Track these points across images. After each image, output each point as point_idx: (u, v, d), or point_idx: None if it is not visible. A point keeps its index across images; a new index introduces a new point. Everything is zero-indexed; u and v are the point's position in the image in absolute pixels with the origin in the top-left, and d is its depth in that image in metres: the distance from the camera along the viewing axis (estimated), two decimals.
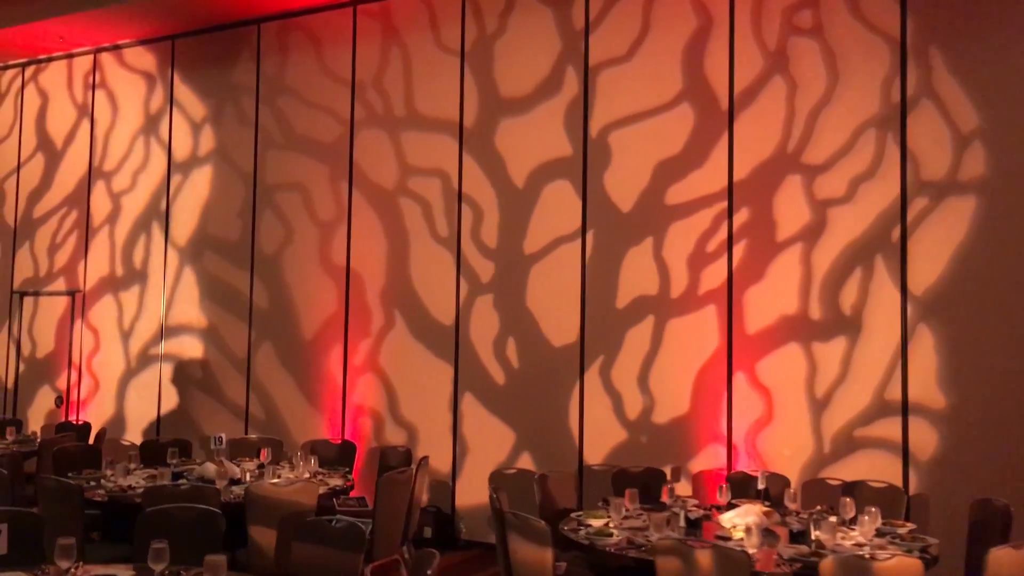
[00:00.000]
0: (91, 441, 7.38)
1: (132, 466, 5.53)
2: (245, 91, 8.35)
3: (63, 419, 8.96)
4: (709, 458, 6.12)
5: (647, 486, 5.25)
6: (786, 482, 5.28)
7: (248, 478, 5.30)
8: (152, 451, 6.33)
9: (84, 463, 5.78)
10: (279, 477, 5.35)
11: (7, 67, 9.92)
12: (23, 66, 9.82)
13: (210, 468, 5.35)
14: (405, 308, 7.39)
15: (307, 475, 5.47)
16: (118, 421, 8.80)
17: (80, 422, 8.24)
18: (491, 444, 6.92)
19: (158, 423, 8.60)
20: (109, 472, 5.31)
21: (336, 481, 5.46)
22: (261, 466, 5.81)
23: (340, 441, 7.18)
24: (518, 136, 7.01)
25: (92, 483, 5.04)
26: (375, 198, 7.61)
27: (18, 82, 9.86)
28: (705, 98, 6.31)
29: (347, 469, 6.06)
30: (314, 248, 7.87)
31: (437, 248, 7.29)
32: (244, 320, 8.18)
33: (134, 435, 8.67)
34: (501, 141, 7.08)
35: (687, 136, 6.35)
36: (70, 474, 5.33)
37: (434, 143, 7.36)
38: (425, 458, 5.86)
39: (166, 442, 6.50)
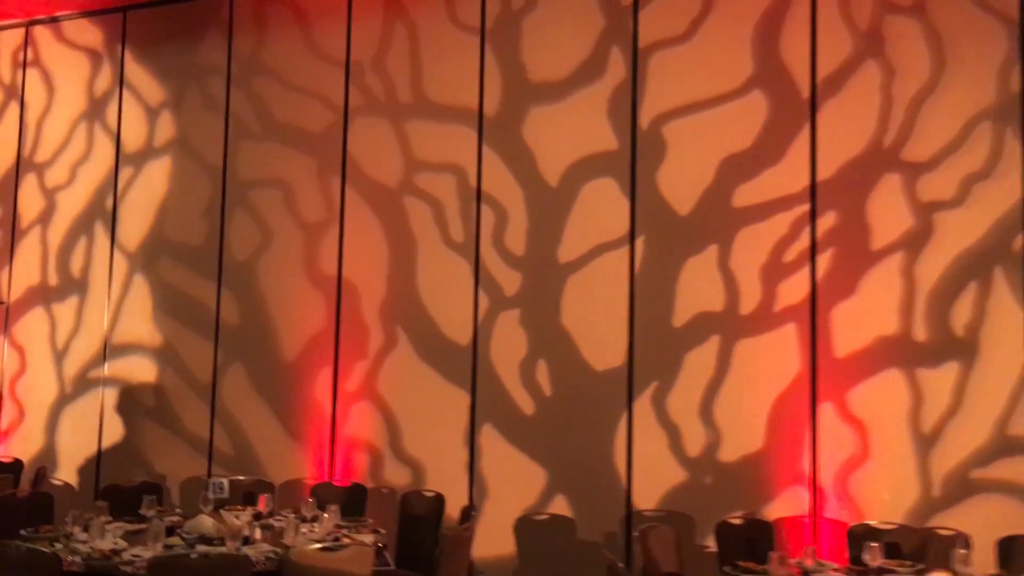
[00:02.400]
0: (24, 484, 6.05)
1: (104, 520, 4.31)
2: (213, 71, 7.17)
3: None
4: (788, 503, 5.24)
5: (751, 540, 4.33)
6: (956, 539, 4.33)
7: (258, 535, 4.14)
8: (118, 497, 5.09)
9: (34, 516, 4.53)
10: (300, 533, 4.20)
11: None
12: None
13: (207, 522, 4.20)
14: (410, 325, 6.33)
15: (332, 530, 4.34)
16: (47, 456, 7.42)
17: (8, 458, 6.86)
18: (516, 484, 5.90)
19: (98, 459, 7.27)
20: (76, 530, 4.09)
21: (366, 537, 4.35)
22: (259, 516, 4.67)
23: (348, 484, 5.99)
24: (551, 127, 6.06)
25: (57, 545, 3.83)
26: (374, 197, 6.54)
27: None
28: (782, 85, 5.49)
29: (363, 518, 4.95)
30: (298, 254, 6.74)
31: (450, 255, 6.26)
32: (208, 338, 6.96)
33: (67, 473, 7.33)
34: (530, 132, 6.12)
35: (759, 128, 5.51)
36: (22, 532, 4.09)
37: (447, 134, 6.36)
38: (471, 507, 4.80)
39: (133, 486, 5.26)
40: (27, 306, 7.69)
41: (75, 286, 7.51)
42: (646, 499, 5.57)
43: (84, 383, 7.40)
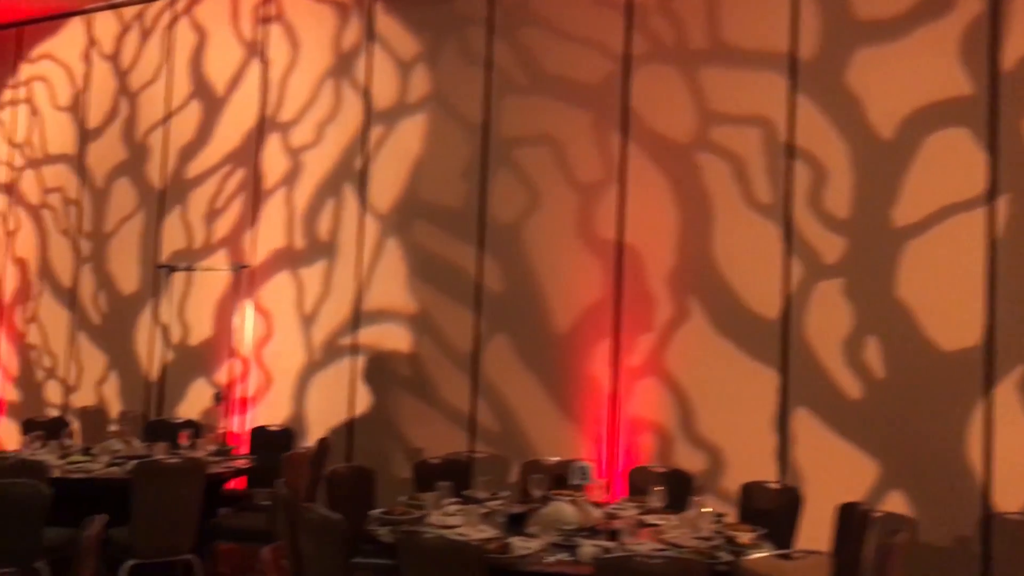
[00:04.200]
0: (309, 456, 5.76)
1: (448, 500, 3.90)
2: (472, 21, 6.70)
3: (229, 419, 7.39)
4: None
5: None
6: None
7: (639, 530, 3.61)
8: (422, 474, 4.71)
9: (360, 491, 4.16)
10: (676, 528, 3.65)
11: None
12: None
13: (567, 511, 3.70)
14: (706, 295, 5.72)
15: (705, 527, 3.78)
16: (296, 424, 7.20)
17: (278, 427, 6.65)
18: (839, 476, 5.23)
19: (350, 429, 6.99)
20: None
21: (743, 535, 3.75)
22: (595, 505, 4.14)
23: (780, 485, 4.98)
24: (884, 71, 5.30)
25: (425, 531, 3.40)
26: (661, 153, 5.94)
27: (167, 17, 8.28)
28: None
29: (714, 512, 4.34)
30: (570, 217, 6.22)
31: (755, 218, 5.61)
32: (469, 306, 6.55)
33: (312, 441, 7.06)
34: (857, 78, 5.37)
35: None
36: (374, 512, 3.70)
37: (751, 82, 5.68)
38: (899, 521, 4.14)
39: (438, 463, 4.83)
40: (272, 270, 7.48)
41: (323, 250, 7.23)
42: (1010, 499, 4.81)
43: (333, 350, 7.13)
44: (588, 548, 3.31)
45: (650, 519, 3.69)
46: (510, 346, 6.39)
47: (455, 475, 4.78)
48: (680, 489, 4.86)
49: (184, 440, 5.55)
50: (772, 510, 4.39)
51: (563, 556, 3.25)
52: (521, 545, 3.28)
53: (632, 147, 6.04)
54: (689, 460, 5.66)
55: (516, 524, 3.83)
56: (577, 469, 4.07)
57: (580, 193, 6.21)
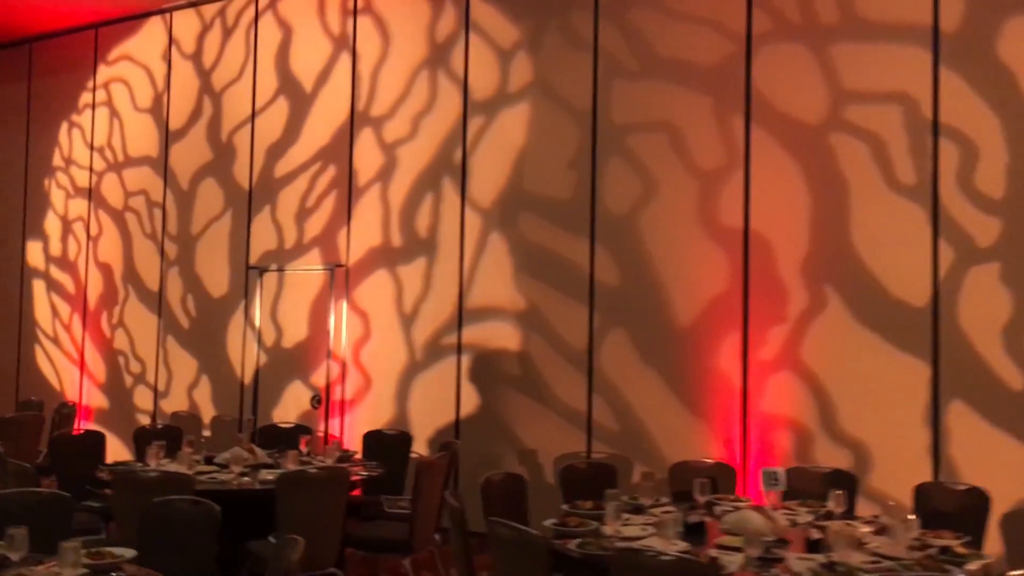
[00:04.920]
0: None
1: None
2: (576, 5, 6.44)
3: (323, 421, 7.21)
4: None
5: None
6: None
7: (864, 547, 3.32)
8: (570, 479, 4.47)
9: (515, 503, 3.93)
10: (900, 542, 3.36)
11: None
12: None
13: (755, 519, 3.44)
14: (844, 283, 5.42)
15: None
16: (399, 427, 6.99)
17: (394, 430, 6.45)
18: (1003, 473, 4.91)
19: (456, 430, 6.77)
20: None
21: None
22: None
23: (965, 486, 4.53)
24: None
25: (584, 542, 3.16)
26: (789, 136, 5.64)
27: (250, 13, 8.11)
28: None
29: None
30: (690, 206, 5.95)
31: (897, 200, 5.30)
32: (582, 301, 6.30)
33: (419, 445, 6.87)
34: (1009, 49, 5.05)
35: None
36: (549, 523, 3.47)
37: (889, 57, 5.37)
38: None
39: (585, 467, 4.60)
40: (368, 269, 7.28)
41: (422, 247, 7.03)
42: None
43: (436, 350, 6.92)
44: (797, 563, 3.05)
45: (838, 527, 3.41)
46: (628, 341, 6.13)
47: (603, 480, 4.54)
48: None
49: (304, 447, 5.36)
50: (954, 513, 4.08)
51: (776, 573, 2.99)
52: (728, 561, 3.03)
53: (756, 130, 5.76)
54: (830, 458, 5.37)
55: (695, 534, 3.59)
56: (768, 474, 3.80)
57: (700, 180, 5.93)
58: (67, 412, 6.95)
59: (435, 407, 6.90)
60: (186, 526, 3.19)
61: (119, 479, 4.03)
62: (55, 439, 5.51)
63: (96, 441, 5.52)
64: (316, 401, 7.40)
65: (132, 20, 8.86)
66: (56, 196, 9.39)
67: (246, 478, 4.59)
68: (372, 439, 6.12)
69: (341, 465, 4.79)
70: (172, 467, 4.70)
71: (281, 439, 6.02)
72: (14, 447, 5.16)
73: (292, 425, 6.65)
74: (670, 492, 4.29)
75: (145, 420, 8.45)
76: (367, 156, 7.35)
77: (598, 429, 6.20)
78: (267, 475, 4.72)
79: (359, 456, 5.63)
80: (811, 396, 5.49)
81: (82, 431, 5.73)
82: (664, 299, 6.00)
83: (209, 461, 5.07)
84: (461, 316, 6.81)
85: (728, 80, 5.86)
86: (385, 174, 7.25)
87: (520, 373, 6.54)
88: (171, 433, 5.84)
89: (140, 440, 5.62)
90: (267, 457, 5.15)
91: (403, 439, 6.13)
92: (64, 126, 9.38)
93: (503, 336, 6.63)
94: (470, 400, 6.76)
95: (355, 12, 7.49)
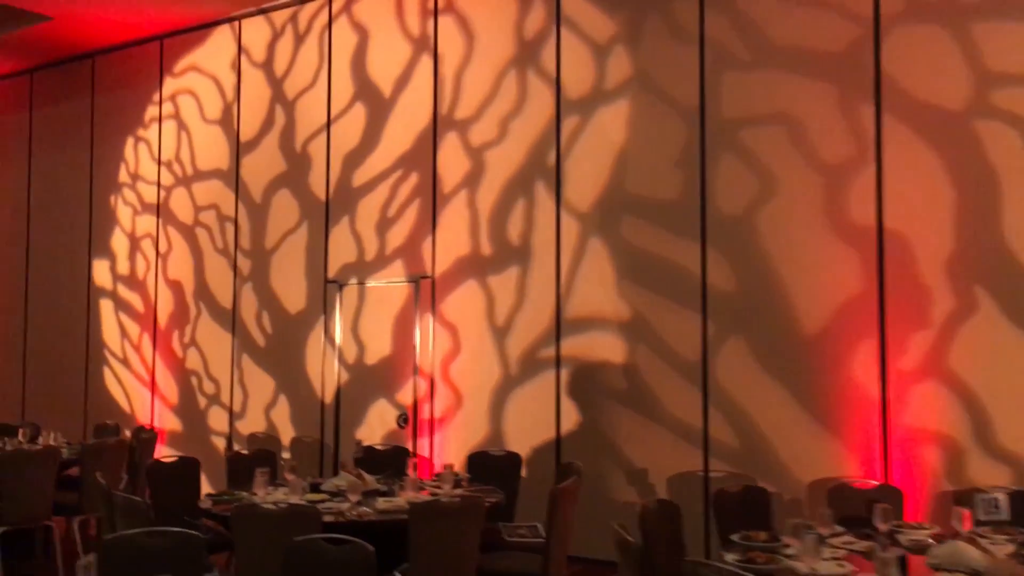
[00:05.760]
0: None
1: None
2: None
3: (411, 440, 6.84)
4: None
5: None
6: None
7: None
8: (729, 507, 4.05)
9: (671, 533, 3.51)
10: None
11: (306, 0, 7.89)
12: None
13: (970, 553, 2.99)
14: (997, 284, 4.95)
15: None
16: (494, 445, 6.60)
17: (501, 452, 6.06)
18: None
19: (557, 448, 6.37)
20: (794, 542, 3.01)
21: None
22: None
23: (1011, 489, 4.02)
24: None
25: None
26: (926, 125, 5.19)
27: (323, 17, 7.81)
28: None
29: None
30: (815, 203, 5.51)
31: None
32: (694, 308, 5.88)
33: None
34: None
35: None
36: (734, 537, 3.05)
37: None
38: None
39: (736, 491, 4.16)
40: (456, 280, 6.92)
41: (515, 255, 6.65)
42: None
43: (533, 364, 6.53)
44: None
45: None
46: (747, 351, 5.70)
47: (755, 507, 4.11)
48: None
49: (411, 471, 4.98)
50: None
51: None
52: None
53: (888, 119, 5.31)
54: (987, 476, 4.89)
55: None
56: (986, 501, 3.36)
57: (825, 175, 5.49)
58: (147, 437, 6.63)
59: (533, 424, 6.50)
60: (338, 569, 2.82)
61: (239, 514, 3.67)
62: (152, 467, 5.19)
63: (191, 469, 5.19)
64: (403, 420, 7.04)
65: (199, 30, 8.61)
66: (123, 213, 9.15)
67: (364, 507, 4.22)
68: (477, 461, 5.72)
69: (475, 494, 4.39)
70: (279, 495, 4.34)
71: (379, 462, 5.65)
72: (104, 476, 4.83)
73: (389, 447, 6.27)
74: (832, 517, 3.85)
75: (220, 443, 8.15)
76: (452, 161, 6.99)
77: (716, 446, 5.77)
78: (383, 504, 4.35)
79: (466, 480, 5.23)
80: (962, 408, 5.01)
81: (175, 458, 5.38)
82: (787, 304, 5.56)
83: (315, 489, 4.70)
84: (559, 327, 6.42)
85: (854, 66, 5.42)
86: (472, 180, 6.88)
87: (626, 386, 6.13)
88: (264, 457, 5.49)
89: (236, 467, 5.27)
90: (376, 483, 4.78)
91: (511, 460, 5.72)
92: (130, 141, 9.14)
93: (606, 347, 6.22)
94: (570, 416, 6.36)
95: (436, 12, 7.15)
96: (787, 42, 5.66)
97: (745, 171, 5.76)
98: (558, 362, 6.41)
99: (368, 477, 4.73)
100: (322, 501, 4.40)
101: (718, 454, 5.76)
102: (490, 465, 5.59)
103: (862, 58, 5.40)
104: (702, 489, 5.78)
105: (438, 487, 4.86)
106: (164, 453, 7.91)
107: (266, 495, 4.46)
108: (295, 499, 4.25)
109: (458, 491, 4.72)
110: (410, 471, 4.97)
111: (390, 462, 5.60)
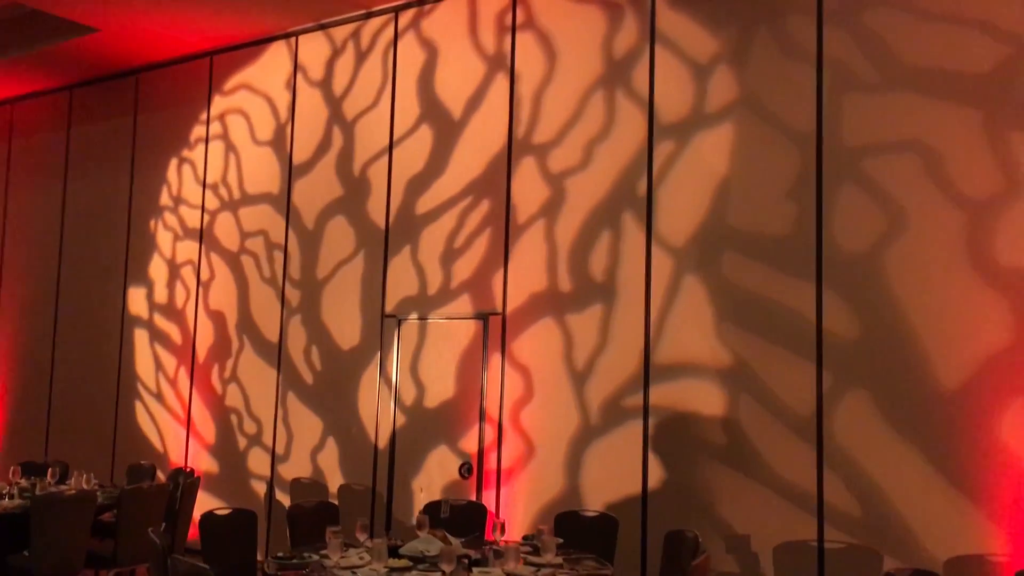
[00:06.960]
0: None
1: None
2: (793, 9, 5.51)
3: (474, 492, 6.19)
4: None
5: None
6: None
7: None
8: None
9: None
10: None
11: (371, 14, 7.40)
12: (396, 11, 7.28)
13: None
14: None
15: None
16: (571, 502, 5.95)
17: (594, 512, 5.40)
18: None
19: (643, 507, 5.71)
20: None
21: None
22: None
23: None
24: None
25: None
26: None
27: (389, 32, 7.32)
28: None
29: None
30: (954, 242, 4.89)
31: None
32: (806, 357, 5.24)
33: None
34: None
35: None
36: None
37: None
38: None
39: None
40: (530, 317, 6.31)
41: (598, 292, 6.05)
42: None
43: (617, 412, 5.90)
44: None
45: None
46: (871, 406, 5.05)
47: None
48: None
49: (496, 534, 4.34)
50: None
51: None
52: None
53: None
54: None
55: None
56: None
57: (967, 210, 4.88)
58: (190, 482, 6.01)
59: (614, 479, 5.85)
60: None
61: None
62: (205, 518, 4.55)
63: (248, 521, 4.57)
64: (467, 470, 6.40)
65: (252, 46, 8.14)
66: (163, 238, 8.63)
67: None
68: (567, 523, 5.06)
69: (599, 569, 3.74)
70: (354, 559, 3.70)
71: (449, 520, 5.01)
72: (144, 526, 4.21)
73: (462, 502, 5.62)
74: None
75: (260, 487, 7.53)
76: (528, 188, 6.43)
77: (832, 513, 5.10)
78: (480, 573, 3.70)
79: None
80: None
81: (230, 510, 4.75)
82: (920, 355, 4.92)
83: (393, 552, 4.06)
84: (648, 373, 5.79)
85: (1003, 90, 4.83)
86: (550, 209, 6.31)
87: (724, 441, 5.48)
88: (325, 510, 4.86)
89: (298, 522, 4.63)
90: (462, 546, 4.13)
91: (607, 523, 5.07)
92: (173, 162, 8.65)
93: (702, 397, 5.58)
94: (657, 472, 5.71)
95: (514, 28, 6.64)
96: (922, 62, 5.08)
97: (870, 204, 5.16)
98: (646, 411, 5.78)
99: (454, 540, 4.09)
100: (407, 569, 3.76)
101: (835, 522, 5.09)
102: (581, 528, 4.94)
103: (1013, 80, 4.82)
104: (816, 561, 5.10)
105: (532, 553, 4.21)
106: (199, 497, 7.28)
107: (339, 559, 3.82)
108: (378, 568, 3.60)
109: (558, 560, 4.06)
110: (495, 534, 4.32)
111: (464, 520, 4.95)
